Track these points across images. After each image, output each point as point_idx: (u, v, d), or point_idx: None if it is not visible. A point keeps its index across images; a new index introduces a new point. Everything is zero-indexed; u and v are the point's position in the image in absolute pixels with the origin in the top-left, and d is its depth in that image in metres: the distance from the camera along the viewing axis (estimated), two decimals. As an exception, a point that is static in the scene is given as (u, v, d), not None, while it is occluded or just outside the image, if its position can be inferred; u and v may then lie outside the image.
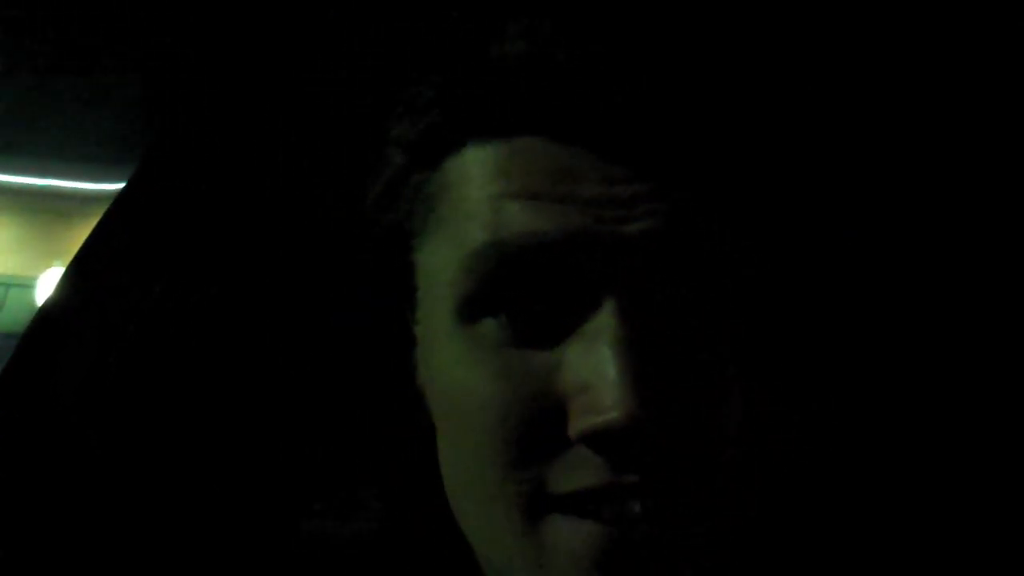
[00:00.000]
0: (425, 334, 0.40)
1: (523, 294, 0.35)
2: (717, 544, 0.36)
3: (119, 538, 0.47)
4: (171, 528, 0.48)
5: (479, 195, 0.36)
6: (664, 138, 0.34)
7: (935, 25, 0.48)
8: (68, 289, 0.49)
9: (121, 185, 0.52)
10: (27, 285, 4.43)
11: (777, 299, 0.37)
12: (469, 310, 0.36)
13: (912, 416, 0.47)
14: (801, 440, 0.41)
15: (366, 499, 0.48)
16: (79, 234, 0.52)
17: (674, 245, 0.34)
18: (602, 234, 0.33)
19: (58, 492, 0.46)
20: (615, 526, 0.33)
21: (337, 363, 0.50)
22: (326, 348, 0.51)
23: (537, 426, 0.34)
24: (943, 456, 0.47)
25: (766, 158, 0.38)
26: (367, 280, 0.45)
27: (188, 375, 0.50)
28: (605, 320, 0.34)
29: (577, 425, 0.33)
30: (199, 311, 0.50)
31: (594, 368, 0.33)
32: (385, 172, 0.40)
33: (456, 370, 0.36)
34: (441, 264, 0.37)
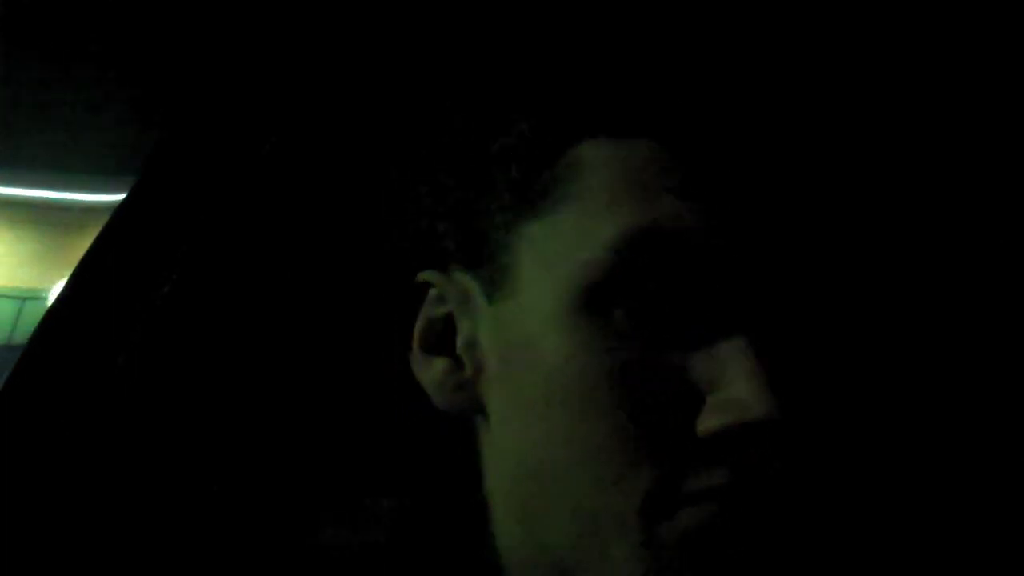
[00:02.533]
0: (519, 311, 0.38)
1: (662, 286, 0.35)
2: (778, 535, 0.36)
3: (128, 546, 0.46)
4: (180, 537, 0.47)
5: (630, 183, 0.36)
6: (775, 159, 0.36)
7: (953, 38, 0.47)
8: (72, 296, 0.49)
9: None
10: (41, 298, 4.47)
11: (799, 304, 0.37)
12: (600, 295, 0.35)
13: (912, 418, 0.47)
14: (806, 439, 0.41)
15: (377, 509, 0.47)
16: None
17: (784, 260, 0.35)
18: (744, 240, 0.34)
19: (67, 501, 0.46)
20: (735, 519, 0.33)
21: (349, 370, 0.50)
22: (337, 355, 0.51)
23: (664, 424, 0.34)
24: (944, 458, 0.46)
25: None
26: (389, 277, 0.45)
27: (196, 383, 0.49)
28: (741, 324, 0.34)
29: (713, 422, 0.33)
30: (206, 317, 0.50)
31: (731, 368, 0.33)
32: (480, 155, 0.40)
33: (575, 357, 0.35)
34: (567, 241, 0.37)
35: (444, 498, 0.43)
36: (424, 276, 0.43)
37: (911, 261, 0.44)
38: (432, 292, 0.42)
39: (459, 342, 0.41)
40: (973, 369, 0.48)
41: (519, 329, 0.38)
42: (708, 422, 0.33)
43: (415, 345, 0.42)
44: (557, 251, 0.37)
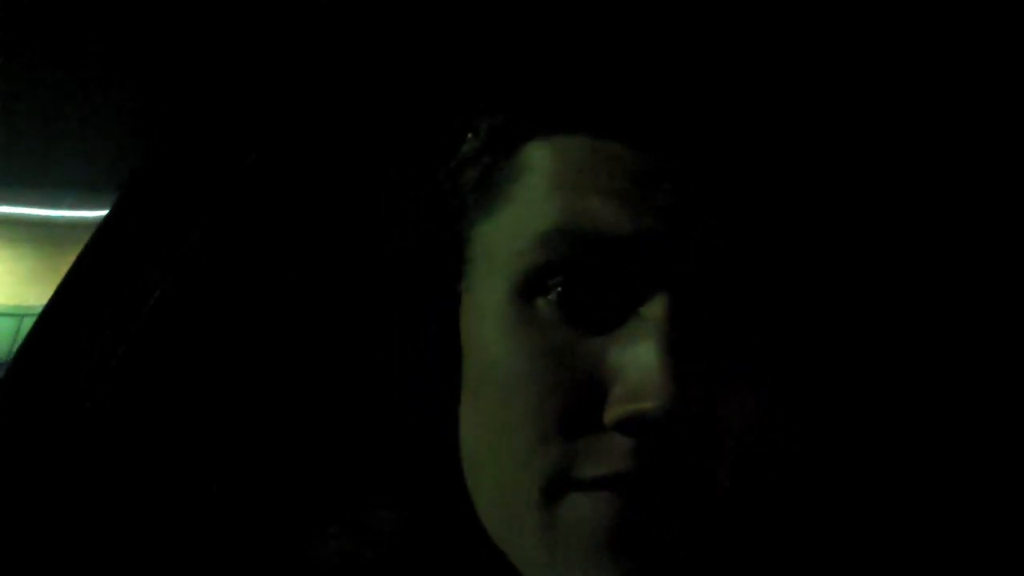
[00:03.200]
0: (473, 302, 0.40)
1: (583, 279, 0.36)
2: (712, 533, 0.36)
3: (127, 557, 0.46)
4: (180, 549, 0.47)
5: (559, 182, 0.37)
6: (736, 151, 0.36)
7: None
8: (59, 306, 0.48)
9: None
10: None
11: (790, 301, 0.38)
12: (527, 285, 0.36)
13: (913, 417, 0.47)
14: (804, 439, 0.41)
15: (380, 521, 0.47)
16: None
17: (731, 255, 0.35)
18: (669, 238, 0.35)
19: (58, 513, 0.46)
20: (631, 507, 0.33)
21: (345, 378, 0.50)
22: (332, 362, 0.50)
23: (574, 407, 0.35)
24: (944, 457, 0.46)
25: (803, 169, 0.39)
26: (382, 274, 0.45)
27: (185, 393, 0.49)
28: (655, 315, 0.35)
29: (613, 410, 0.34)
30: (197, 325, 0.49)
31: (638, 358, 0.34)
32: (453, 156, 0.42)
33: (503, 342, 0.37)
34: (506, 237, 0.38)
35: (449, 510, 0.43)
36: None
37: (852, 244, 0.44)
38: None
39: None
40: (972, 369, 0.48)
41: (471, 319, 0.40)
42: (609, 411, 0.34)
43: None
44: (497, 246, 0.39)
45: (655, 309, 0.35)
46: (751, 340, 0.36)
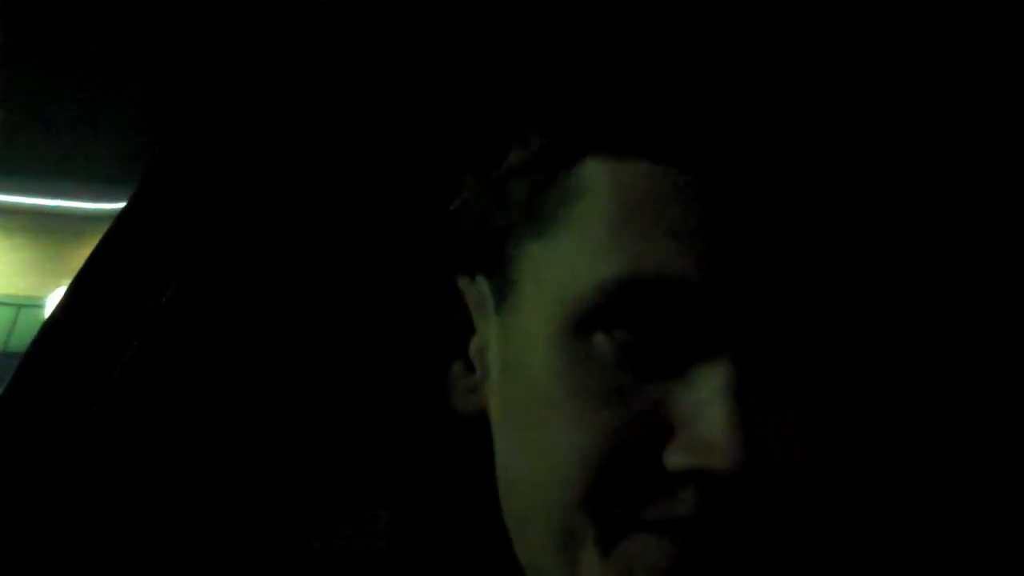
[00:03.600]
0: (517, 325, 0.39)
1: (648, 324, 0.35)
2: (765, 563, 0.36)
3: (127, 552, 0.46)
4: (178, 546, 0.47)
5: (624, 218, 0.35)
6: (811, 189, 0.35)
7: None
8: (72, 304, 0.49)
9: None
10: (38, 305, 4.46)
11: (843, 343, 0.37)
12: (587, 324, 0.35)
13: (924, 427, 0.47)
14: (845, 464, 0.41)
15: (375, 518, 0.47)
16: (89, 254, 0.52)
17: (800, 303, 0.35)
18: (740, 286, 0.34)
19: (65, 509, 0.46)
20: (693, 547, 0.34)
21: (351, 377, 0.50)
22: (340, 361, 0.51)
23: (633, 449, 0.34)
24: (953, 465, 0.47)
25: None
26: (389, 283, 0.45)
27: (195, 391, 0.49)
28: (722, 365, 0.34)
29: (679, 459, 0.34)
30: (207, 324, 0.50)
31: (706, 410, 0.33)
32: (496, 170, 0.40)
33: (559, 378, 0.36)
34: (562, 269, 0.37)
35: (443, 507, 0.43)
36: (459, 282, 0.44)
37: (917, 284, 0.44)
38: (464, 296, 0.44)
39: (472, 345, 0.43)
40: (977, 390, 0.48)
41: (515, 343, 0.39)
42: (674, 458, 0.34)
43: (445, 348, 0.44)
44: (552, 276, 0.37)
45: (722, 359, 0.34)
46: (804, 381, 0.36)
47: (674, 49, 0.37)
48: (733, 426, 0.32)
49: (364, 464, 0.49)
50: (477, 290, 0.43)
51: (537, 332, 0.37)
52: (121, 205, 0.51)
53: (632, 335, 0.35)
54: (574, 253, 0.36)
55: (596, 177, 0.37)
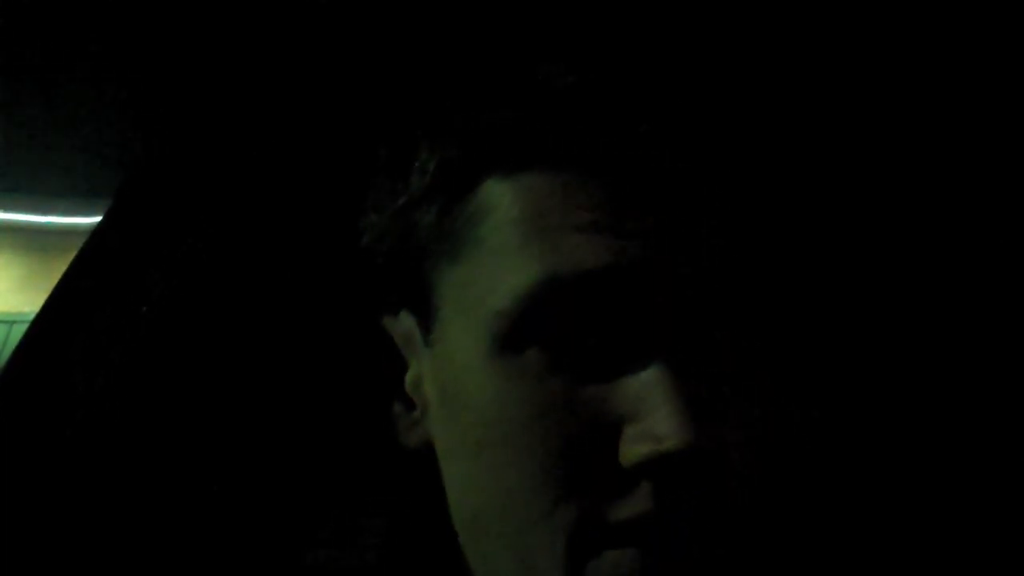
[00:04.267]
0: (447, 354, 0.39)
1: (575, 326, 0.35)
2: (735, 549, 0.36)
3: (120, 567, 0.46)
4: (173, 557, 0.47)
5: (533, 224, 0.35)
6: (709, 169, 0.35)
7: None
8: (49, 316, 0.48)
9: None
10: (30, 322, 4.42)
11: (780, 303, 0.37)
12: (514, 339, 0.35)
13: (908, 417, 0.47)
14: (802, 443, 0.41)
15: (369, 527, 0.47)
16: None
17: (720, 276, 0.35)
18: (657, 267, 0.34)
19: (48, 523, 0.46)
20: (660, 552, 0.33)
21: (340, 388, 0.50)
22: (328, 372, 0.50)
23: (586, 456, 0.34)
24: (941, 457, 0.46)
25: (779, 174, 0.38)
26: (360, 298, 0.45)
27: (183, 401, 0.49)
28: (656, 348, 0.34)
29: (633, 452, 0.33)
30: (194, 335, 0.49)
31: (648, 398, 0.33)
32: (400, 193, 0.40)
33: (498, 400, 0.36)
34: (481, 290, 0.37)
35: (434, 516, 0.43)
36: (384, 323, 0.44)
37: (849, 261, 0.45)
38: (391, 335, 0.44)
39: (407, 382, 0.43)
40: (970, 368, 0.48)
41: (448, 372, 0.39)
42: (628, 453, 0.33)
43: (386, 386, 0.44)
44: (472, 297, 0.37)
45: (654, 342, 0.34)
46: (746, 352, 0.36)
47: (562, 54, 0.37)
48: (678, 407, 0.32)
49: (355, 474, 0.49)
50: (403, 325, 0.42)
51: (468, 357, 0.37)
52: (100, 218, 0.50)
53: (560, 341, 0.35)
54: (489, 270, 0.36)
55: (498, 192, 0.37)
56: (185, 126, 0.53)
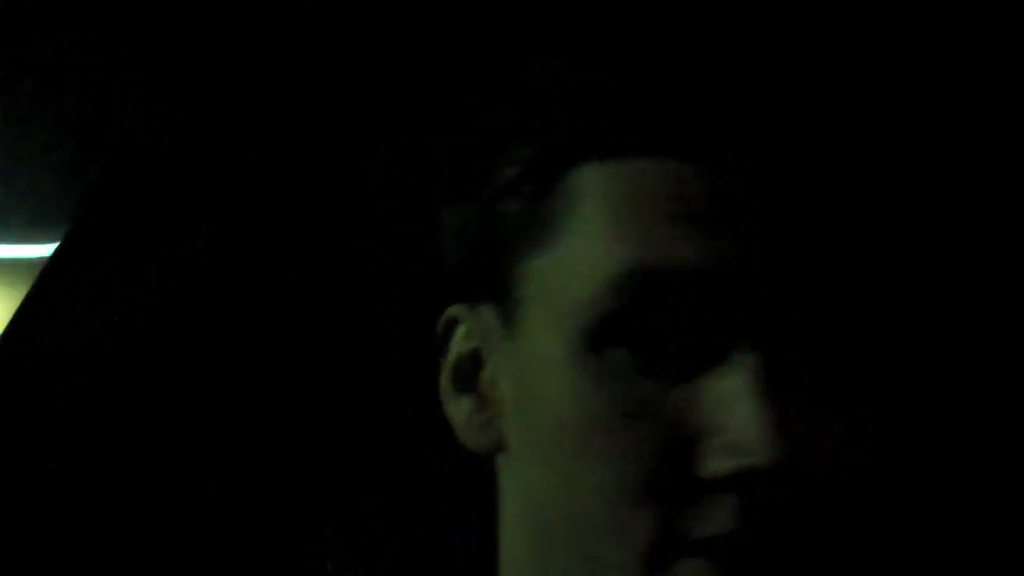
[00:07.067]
0: (529, 350, 0.38)
1: (662, 323, 0.34)
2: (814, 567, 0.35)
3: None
4: (182, 553, 0.45)
5: (622, 213, 0.34)
6: (815, 169, 0.34)
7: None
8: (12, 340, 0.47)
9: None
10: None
11: (877, 314, 0.36)
12: (599, 334, 0.34)
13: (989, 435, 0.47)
14: (886, 456, 0.41)
15: (376, 524, 0.46)
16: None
17: (821, 283, 0.34)
18: (753, 270, 0.33)
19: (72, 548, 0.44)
20: (737, 570, 0.33)
21: (348, 390, 0.49)
22: (337, 375, 0.49)
23: (666, 466, 0.33)
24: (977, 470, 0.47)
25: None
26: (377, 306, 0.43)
27: (192, 405, 0.48)
28: (747, 359, 0.33)
29: (716, 465, 0.32)
30: (190, 337, 0.48)
31: (736, 408, 0.32)
32: (483, 188, 0.39)
33: (578, 401, 0.35)
34: (567, 280, 0.36)
35: (436, 508, 0.42)
36: (451, 311, 0.42)
37: (934, 278, 0.44)
38: (460, 327, 0.42)
39: (483, 379, 0.41)
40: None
41: (530, 368, 0.38)
42: (710, 467, 0.32)
43: (445, 382, 0.42)
44: (558, 288, 0.36)
45: (745, 352, 0.33)
46: (836, 368, 0.35)
47: (655, 45, 0.36)
48: (767, 421, 0.31)
49: (360, 470, 0.48)
50: (482, 321, 0.41)
51: (552, 354, 0.36)
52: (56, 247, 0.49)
53: (648, 340, 0.33)
54: (577, 260, 0.35)
55: (589, 181, 0.36)
56: (153, 138, 0.51)
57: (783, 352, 0.33)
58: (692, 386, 0.33)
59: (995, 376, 0.48)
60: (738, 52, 0.35)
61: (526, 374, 0.38)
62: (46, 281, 0.49)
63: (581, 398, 0.34)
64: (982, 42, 0.47)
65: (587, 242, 0.35)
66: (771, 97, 0.34)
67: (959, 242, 0.44)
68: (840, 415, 0.34)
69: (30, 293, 0.48)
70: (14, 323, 0.48)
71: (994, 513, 0.47)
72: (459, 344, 0.42)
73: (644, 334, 0.34)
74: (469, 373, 0.41)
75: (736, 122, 0.34)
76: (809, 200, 0.34)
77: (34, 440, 0.46)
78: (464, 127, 0.42)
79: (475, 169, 0.40)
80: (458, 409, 0.41)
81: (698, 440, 0.33)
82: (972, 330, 0.47)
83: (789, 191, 0.34)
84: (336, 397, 0.50)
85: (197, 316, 0.49)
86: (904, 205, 0.38)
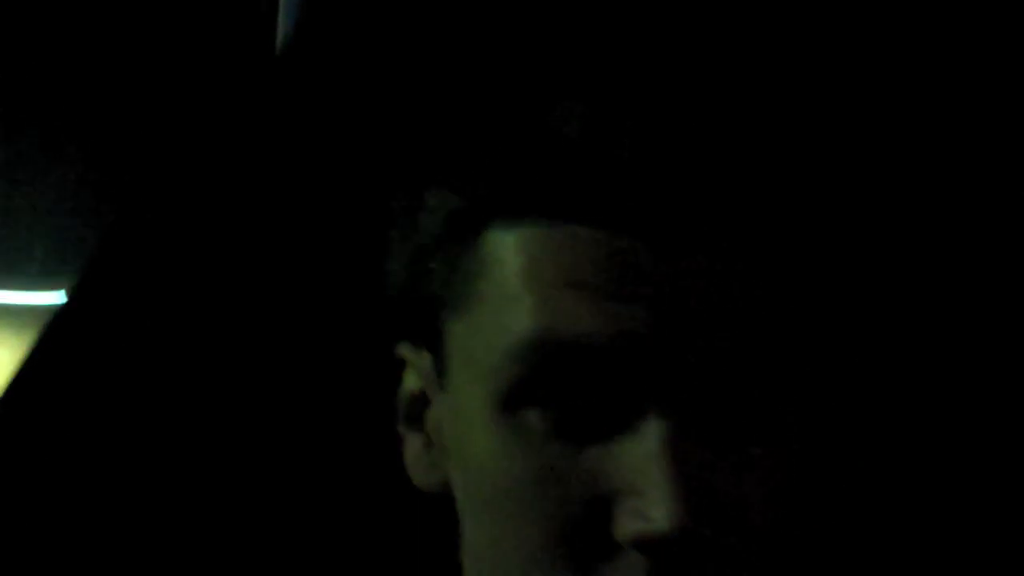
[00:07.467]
0: (455, 407, 0.39)
1: (571, 389, 0.34)
2: None
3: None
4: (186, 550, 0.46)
5: (529, 279, 0.35)
6: (727, 234, 0.34)
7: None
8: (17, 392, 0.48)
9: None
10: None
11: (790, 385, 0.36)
12: (511, 399, 0.35)
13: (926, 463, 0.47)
14: (817, 502, 0.41)
15: (376, 513, 0.47)
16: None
17: (729, 350, 0.34)
18: (656, 340, 0.33)
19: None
20: None
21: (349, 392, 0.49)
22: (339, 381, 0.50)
23: (583, 525, 0.34)
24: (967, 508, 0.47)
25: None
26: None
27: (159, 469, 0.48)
28: (655, 426, 0.33)
29: (625, 528, 0.33)
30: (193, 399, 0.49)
31: (643, 473, 0.33)
32: (414, 239, 0.39)
33: (496, 461, 0.35)
34: (481, 345, 0.36)
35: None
36: (400, 350, 0.43)
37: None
38: (409, 367, 0.42)
39: (428, 420, 0.41)
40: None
41: (458, 424, 0.38)
42: (619, 530, 0.33)
43: (400, 416, 0.43)
44: (475, 353, 0.37)
45: (654, 417, 0.33)
46: (751, 424, 0.35)
47: (572, 111, 0.36)
48: (673, 488, 0.32)
49: (360, 459, 0.49)
50: (424, 364, 0.41)
51: (473, 412, 0.37)
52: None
53: (558, 405, 0.34)
54: (489, 325, 0.36)
55: (501, 244, 0.36)
56: (162, 186, 0.52)
57: (692, 414, 0.34)
58: (604, 449, 0.34)
59: (926, 421, 0.48)
60: (657, 119, 0.35)
61: (455, 428, 0.38)
62: (55, 327, 0.49)
63: (498, 459, 0.35)
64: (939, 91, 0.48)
65: (495, 310, 0.36)
66: (683, 166, 0.34)
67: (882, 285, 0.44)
68: (753, 471, 0.35)
69: (38, 339, 0.48)
70: (26, 367, 0.49)
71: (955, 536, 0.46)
72: (409, 382, 0.42)
73: (554, 399, 0.34)
74: (418, 412, 0.42)
75: (646, 193, 0.33)
76: (717, 265, 0.34)
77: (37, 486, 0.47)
78: (394, 173, 0.42)
79: (404, 220, 0.40)
80: (409, 446, 0.42)
81: (610, 502, 0.33)
82: (892, 372, 0.47)
83: (696, 258, 0.34)
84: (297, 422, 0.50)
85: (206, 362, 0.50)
86: (816, 263, 0.37)
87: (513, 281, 0.35)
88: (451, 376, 0.39)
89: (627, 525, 0.33)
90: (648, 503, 0.32)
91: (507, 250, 0.36)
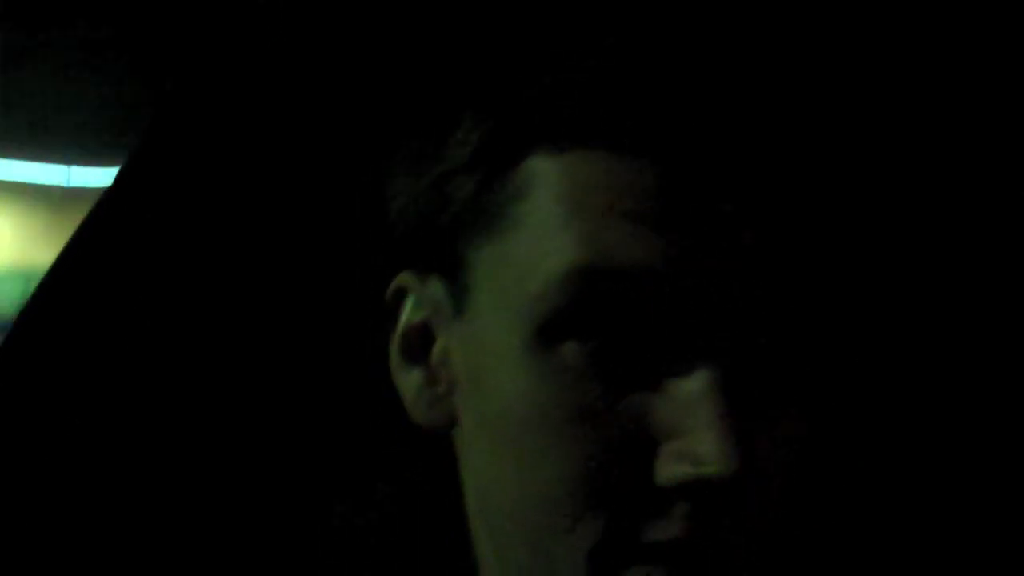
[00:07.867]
0: (479, 336, 0.37)
1: (616, 323, 0.32)
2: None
3: (133, 540, 0.46)
4: (188, 528, 0.47)
5: (577, 205, 0.33)
6: (775, 167, 0.33)
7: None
8: (64, 268, 0.48)
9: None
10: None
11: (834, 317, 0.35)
12: (549, 331, 0.33)
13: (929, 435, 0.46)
14: (836, 464, 0.40)
15: (379, 494, 0.47)
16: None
17: (775, 286, 0.33)
18: (712, 272, 0.32)
19: (63, 494, 0.46)
20: (687, 571, 0.32)
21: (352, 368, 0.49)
22: (338, 354, 0.50)
23: (619, 468, 0.32)
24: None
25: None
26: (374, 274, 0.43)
27: (193, 378, 0.48)
28: (704, 365, 0.32)
29: (671, 471, 0.32)
30: (200, 310, 0.49)
31: (691, 413, 0.31)
32: (436, 163, 0.37)
33: (530, 397, 0.34)
34: (517, 271, 0.34)
35: (437, 479, 0.42)
36: (400, 280, 0.41)
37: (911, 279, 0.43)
38: (409, 297, 0.40)
39: (434, 353, 0.40)
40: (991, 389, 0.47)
41: (480, 355, 0.37)
42: (664, 473, 0.32)
43: (394, 354, 0.41)
44: (509, 280, 0.35)
45: (704, 356, 0.32)
46: (788, 385, 0.34)
47: (624, 37, 0.34)
48: (724, 430, 0.30)
49: (365, 443, 0.49)
50: (431, 293, 0.39)
51: (501, 346, 0.35)
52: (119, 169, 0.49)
53: (601, 340, 0.32)
54: (529, 251, 0.34)
55: (544, 170, 0.34)
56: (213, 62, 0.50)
57: (741, 357, 0.32)
58: (645, 389, 0.32)
59: (960, 381, 0.47)
60: (702, 52, 0.33)
61: (476, 360, 0.37)
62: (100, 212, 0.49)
63: (530, 394, 0.33)
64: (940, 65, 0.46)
65: (537, 235, 0.34)
66: (733, 99, 0.33)
67: (926, 246, 0.43)
68: (797, 420, 0.34)
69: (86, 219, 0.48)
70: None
71: (961, 516, 0.46)
72: (409, 314, 0.40)
73: (596, 333, 0.32)
74: (419, 345, 0.40)
75: (699, 121, 0.32)
76: (770, 202, 0.33)
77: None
78: (419, 96, 0.40)
79: (425, 144, 0.38)
80: (407, 383, 0.40)
81: (653, 444, 0.32)
82: (937, 336, 0.46)
83: (750, 193, 0.32)
84: (280, 377, 0.50)
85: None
86: (864, 211, 0.36)
87: (560, 206, 0.33)
88: (475, 305, 0.37)
89: (674, 468, 0.31)
90: (697, 444, 0.31)
91: (554, 175, 0.34)
